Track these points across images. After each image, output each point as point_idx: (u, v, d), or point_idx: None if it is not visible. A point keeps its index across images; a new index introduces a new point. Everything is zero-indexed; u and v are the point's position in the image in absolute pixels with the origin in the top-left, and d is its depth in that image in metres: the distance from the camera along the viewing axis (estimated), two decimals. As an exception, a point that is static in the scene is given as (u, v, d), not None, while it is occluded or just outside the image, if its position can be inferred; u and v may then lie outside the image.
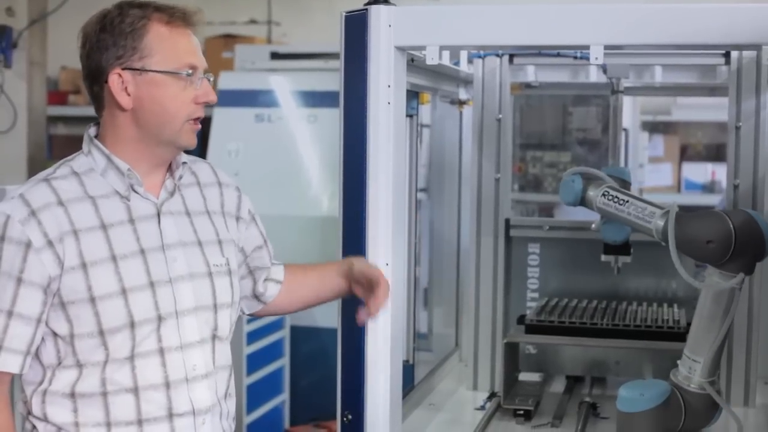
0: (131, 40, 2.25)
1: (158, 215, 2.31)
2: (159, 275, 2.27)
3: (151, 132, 2.28)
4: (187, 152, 2.45)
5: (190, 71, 2.27)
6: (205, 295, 2.34)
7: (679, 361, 2.92)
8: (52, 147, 8.73)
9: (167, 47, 2.26)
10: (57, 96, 8.71)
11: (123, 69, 2.25)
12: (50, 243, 2.18)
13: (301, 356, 6.17)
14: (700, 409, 2.88)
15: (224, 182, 2.52)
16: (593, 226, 3.25)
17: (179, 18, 2.27)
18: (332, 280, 2.65)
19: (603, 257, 3.47)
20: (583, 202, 3.12)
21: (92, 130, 2.35)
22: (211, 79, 2.34)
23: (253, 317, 5.37)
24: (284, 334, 6.06)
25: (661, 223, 2.85)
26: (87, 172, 2.29)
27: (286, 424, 6.12)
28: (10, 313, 2.19)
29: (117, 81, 2.26)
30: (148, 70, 2.25)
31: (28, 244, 2.18)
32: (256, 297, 2.62)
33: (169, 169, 2.38)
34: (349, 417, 2.74)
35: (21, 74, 7.01)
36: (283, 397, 6.09)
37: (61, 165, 2.31)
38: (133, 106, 2.27)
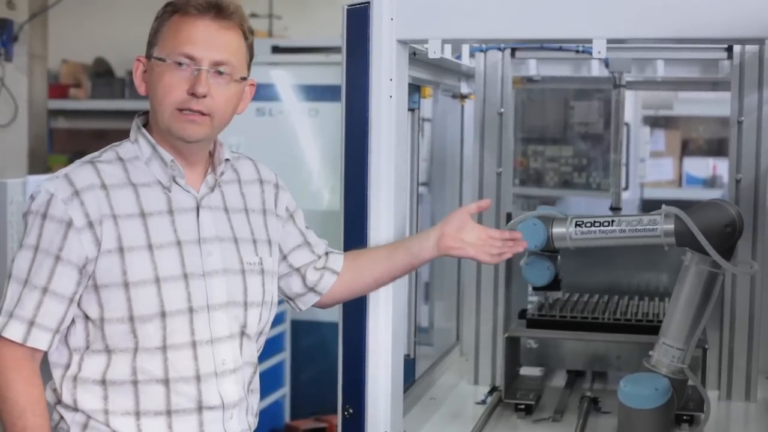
0: (152, 30, 2.32)
1: (197, 209, 2.33)
2: (193, 268, 2.28)
3: (156, 119, 2.31)
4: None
5: (184, 60, 2.26)
6: (236, 292, 2.35)
7: (652, 351, 2.98)
8: (53, 140, 8.73)
9: (169, 35, 2.28)
10: (58, 89, 8.70)
11: (144, 57, 2.33)
12: (90, 224, 2.21)
13: (301, 350, 6.17)
14: (680, 394, 2.97)
15: (265, 179, 2.52)
16: (521, 263, 3.24)
17: (193, 7, 2.27)
18: (404, 250, 2.58)
19: (533, 291, 3.47)
20: (547, 242, 3.11)
21: (140, 119, 2.38)
22: (225, 72, 2.28)
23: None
24: (285, 328, 6.07)
25: (668, 225, 2.89)
26: (132, 159, 2.32)
27: (287, 418, 6.12)
28: (45, 290, 2.21)
29: (139, 68, 2.34)
30: (151, 57, 2.30)
31: (70, 223, 2.20)
32: (311, 289, 2.57)
33: (212, 165, 2.39)
34: (350, 411, 2.74)
35: (22, 67, 6.99)
36: (284, 391, 6.10)
37: (107, 149, 2.34)
38: (147, 93, 2.33)
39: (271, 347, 5.86)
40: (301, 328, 6.14)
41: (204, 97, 2.25)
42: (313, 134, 6.46)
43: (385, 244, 2.66)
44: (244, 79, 2.35)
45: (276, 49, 6.95)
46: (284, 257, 2.54)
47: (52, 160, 7.50)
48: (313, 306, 2.62)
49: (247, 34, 2.35)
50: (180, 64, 2.26)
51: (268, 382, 5.83)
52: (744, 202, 3.36)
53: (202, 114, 2.26)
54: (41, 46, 7.23)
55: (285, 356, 6.09)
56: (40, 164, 7.05)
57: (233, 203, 2.41)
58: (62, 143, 8.91)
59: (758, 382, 3.46)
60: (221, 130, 2.35)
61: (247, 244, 2.40)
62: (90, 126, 8.90)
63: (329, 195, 6.27)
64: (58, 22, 7.75)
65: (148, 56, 2.31)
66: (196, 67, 2.26)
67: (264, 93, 6.50)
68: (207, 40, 2.27)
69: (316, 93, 6.42)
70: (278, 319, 5.93)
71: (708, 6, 2.51)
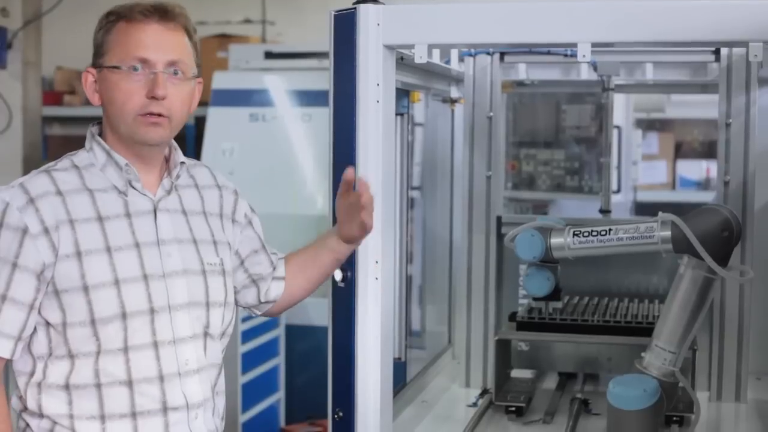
0: (98, 40, 2.34)
1: (155, 211, 2.35)
2: (153, 269, 2.30)
3: (115, 127, 2.33)
4: (186, 153, 2.48)
5: (138, 65, 2.28)
6: (198, 292, 2.37)
7: (644, 353, 2.98)
8: (48, 147, 8.72)
9: (119, 42, 2.30)
10: (52, 96, 8.70)
11: (93, 67, 2.35)
12: (46, 230, 2.22)
13: (296, 355, 6.17)
14: (670, 396, 2.97)
15: (223, 185, 2.55)
16: (522, 274, 3.23)
17: (139, 12, 2.30)
18: (325, 248, 2.62)
19: (533, 303, 3.48)
20: (545, 253, 3.11)
21: (95, 128, 2.40)
22: (179, 71, 2.31)
23: (250, 316, 5.39)
24: (279, 332, 6.07)
25: (665, 232, 2.88)
26: (87, 166, 2.34)
27: (282, 422, 6.13)
28: (3, 298, 2.22)
29: (89, 79, 2.36)
30: (102, 67, 2.32)
31: (25, 230, 2.22)
32: (265, 301, 2.63)
33: (167, 168, 2.41)
34: (341, 414, 2.75)
35: (16, 75, 7.03)
36: (279, 396, 6.10)
37: (62, 159, 2.37)
38: (101, 103, 2.35)
39: (265, 352, 5.87)
40: (296, 333, 6.14)
41: (164, 99, 2.28)
42: (306, 139, 6.48)
43: (306, 247, 2.68)
44: (195, 76, 2.38)
45: (269, 55, 6.97)
46: (241, 262, 2.57)
47: (46, 167, 7.49)
48: (266, 313, 2.68)
49: (191, 33, 2.38)
50: (135, 69, 2.28)
51: (263, 386, 5.85)
52: (733, 204, 3.36)
53: (162, 116, 2.29)
54: (35, 53, 7.26)
55: (279, 361, 6.09)
56: (34, 171, 7.06)
57: (191, 206, 2.43)
58: (57, 150, 8.87)
59: (748, 383, 3.47)
60: (178, 130, 2.38)
61: (207, 245, 2.42)
62: (85, 133, 8.88)
63: (322, 199, 6.28)
64: (52, 28, 7.76)
65: (98, 66, 2.33)
66: (152, 71, 2.29)
67: (257, 98, 6.54)
68: (157, 42, 2.30)
69: (309, 98, 6.44)
70: (272, 324, 5.94)
71: (692, 9, 2.52)
